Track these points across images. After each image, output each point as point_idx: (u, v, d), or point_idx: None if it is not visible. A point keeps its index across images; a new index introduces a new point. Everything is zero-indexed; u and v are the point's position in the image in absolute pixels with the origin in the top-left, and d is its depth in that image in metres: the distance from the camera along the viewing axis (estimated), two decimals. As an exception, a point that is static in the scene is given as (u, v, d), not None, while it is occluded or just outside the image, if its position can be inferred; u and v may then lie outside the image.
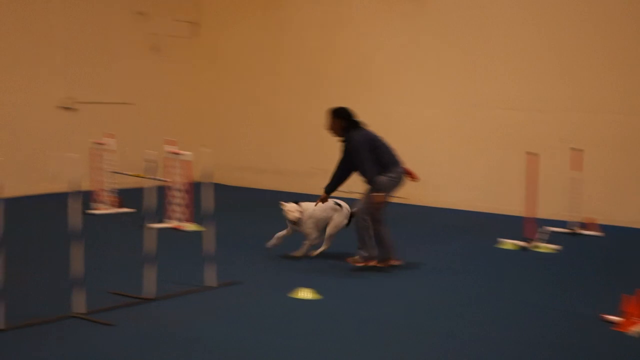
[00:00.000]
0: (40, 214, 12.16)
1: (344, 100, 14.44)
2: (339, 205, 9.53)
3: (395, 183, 8.94)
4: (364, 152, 8.76)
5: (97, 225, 10.99)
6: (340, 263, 9.16)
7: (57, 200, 12.76)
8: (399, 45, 14.13)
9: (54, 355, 5.92)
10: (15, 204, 11.12)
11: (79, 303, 6.89)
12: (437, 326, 6.88)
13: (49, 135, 13.99)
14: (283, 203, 9.40)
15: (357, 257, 8.94)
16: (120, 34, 15.12)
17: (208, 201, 7.94)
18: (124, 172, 12.46)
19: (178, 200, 11.12)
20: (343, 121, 8.96)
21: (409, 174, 9.16)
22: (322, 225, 9.46)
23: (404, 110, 14.07)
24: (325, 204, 9.42)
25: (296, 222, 9.27)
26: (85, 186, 10.75)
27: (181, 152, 11.10)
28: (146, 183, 7.57)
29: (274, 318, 7.03)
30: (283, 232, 9.47)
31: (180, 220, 11.09)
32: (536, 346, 6.36)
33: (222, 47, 16.21)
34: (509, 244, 10.37)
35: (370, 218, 8.89)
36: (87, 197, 11.97)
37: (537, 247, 10.22)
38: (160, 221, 10.72)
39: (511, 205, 12.51)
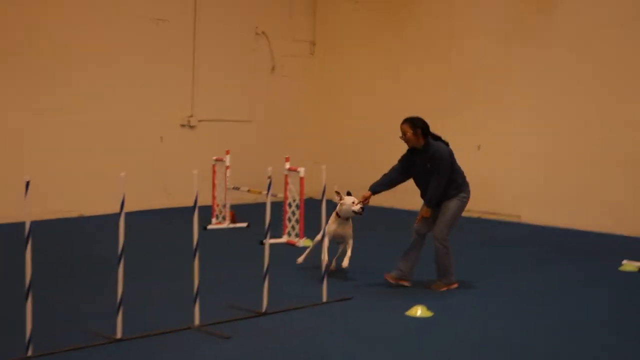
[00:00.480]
0: (161, 228, 12.41)
1: (458, 113, 14.46)
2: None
3: (465, 204, 8.82)
4: (448, 167, 8.63)
5: (214, 239, 11.15)
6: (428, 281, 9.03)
7: (178, 215, 13.09)
8: (509, 61, 13.89)
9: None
10: (137, 217, 11.44)
11: (196, 315, 6.98)
12: (554, 347, 6.69)
13: (173, 151, 14.29)
14: (341, 194, 8.97)
15: (439, 283, 8.70)
16: (241, 54, 15.34)
17: (322, 218, 7.95)
18: (242, 188, 12.65)
19: (291, 215, 11.20)
20: (424, 131, 8.62)
21: None
22: None
23: (523, 128, 13.83)
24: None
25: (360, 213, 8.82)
26: (205, 201, 10.91)
27: (296, 168, 11.17)
28: (262, 199, 7.63)
29: (386, 334, 6.96)
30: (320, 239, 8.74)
31: (293, 235, 11.14)
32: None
33: (336, 66, 16.28)
34: (631, 266, 10.00)
35: (447, 242, 8.68)
36: (206, 212, 12.18)
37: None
38: (275, 236, 10.82)
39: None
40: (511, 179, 13.97)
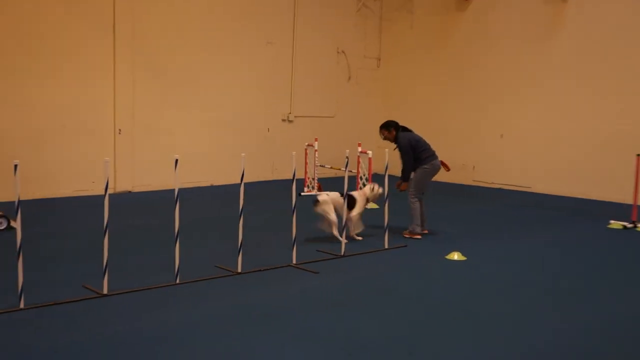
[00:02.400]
0: (269, 194, 12.56)
1: (485, 109, 14.25)
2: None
3: (426, 172, 8.81)
4: (406, 151, 8.71)
5: (306, 204, 11.28)
6: (469, 233, 8.96)
7: (281, 185, 13.26)
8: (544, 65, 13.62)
9: (278, 292, 6.14)
10: (252, 186, 11.64)
11: (293, 256, 7.11)
12: (564, 285, 6.62)
13: (277, 138, 14.44)
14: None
15: (406, 231, 8.77)
16: (326, 67, 15.38)
17: (385, 187, 7.99)
18: (326, 166, 12.74)
19: (362, 186, 11.22)
20: (394, 128, 8.90)
21: (444, 165, 9.04)
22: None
23: (532, 121, 13.60)
24: (334, 194, 8.33)
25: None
26: (300, 175, 11.02)
27: (366, 151, 11.20)
28: (341, 173, 7.67)
29: (435, 273, 7.00)
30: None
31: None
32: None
33: (396, 76, 16.22)
34: (618, 224, 9.82)
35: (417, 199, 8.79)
36: (300, 183, 12.31)
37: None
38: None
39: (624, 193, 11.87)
40: (524, 159, 13.80)
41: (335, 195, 8.28)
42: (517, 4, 13.84)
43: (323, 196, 8.26)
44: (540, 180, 13.55)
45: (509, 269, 7.24)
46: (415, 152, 8.74)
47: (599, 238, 9.10)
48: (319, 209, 8.20)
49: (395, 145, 8.93)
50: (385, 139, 9.04)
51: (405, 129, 8.99)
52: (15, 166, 5.24)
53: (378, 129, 9.09)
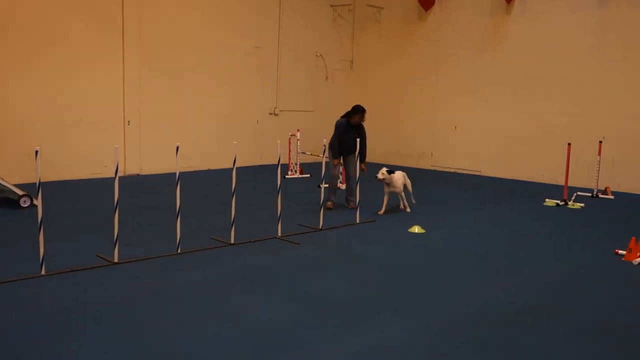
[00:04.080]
0: (257, 177, 12.47)
1: (444, 105, 14.29)
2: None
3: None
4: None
5: (289, 185, 11.27)
6: (429, 210, 9.01)
7: (268, 169, 13.22)
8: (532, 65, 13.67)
9: (267, 259, 6.13)
10: (243, 170, 11.55)
11: (278, 229, 7.10)
12: (509, 254, 6.69)
13: (265, 129, 14.36)
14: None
15: (329, 203, 8.84)
16: (305, 68, 15.30)
17: (357, 171, 7.98)
18: (307, 153, 12.70)
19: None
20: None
21: None
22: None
23: (483, 113, 13.67)
24: (400, 173, 8.77)
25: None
26: (284, 160, 10.99)
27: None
28: (319, 159, 7.64)
29: (399, 243, 7.02)
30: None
31: (338, 183, 11.16)
32: (569, 270, 6.08)
33: (367, 76, 16.17)
34: (551, 202, 9.91)
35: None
36: (285, 167, 12.28)
37: (570, 205, 9.73)
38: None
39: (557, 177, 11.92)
40: (474, 147, 13.86)
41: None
42: (469, 15, 13.86)
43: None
44: (488, 165, 13.66)
45: (461, 239, 7.29)
46: None
47: (536, 214, 9.19)
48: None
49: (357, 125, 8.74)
50: (359, 120, 8.76)
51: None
52: (36, 152, 5.17)
53: (358, 113, 8.74)
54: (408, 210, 8.87)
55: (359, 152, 8.18)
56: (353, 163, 8.61)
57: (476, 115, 13.86)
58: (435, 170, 14.45)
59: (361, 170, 8.36)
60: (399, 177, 8.70)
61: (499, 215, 9.03)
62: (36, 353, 3.85)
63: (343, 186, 9.78)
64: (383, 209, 8.69)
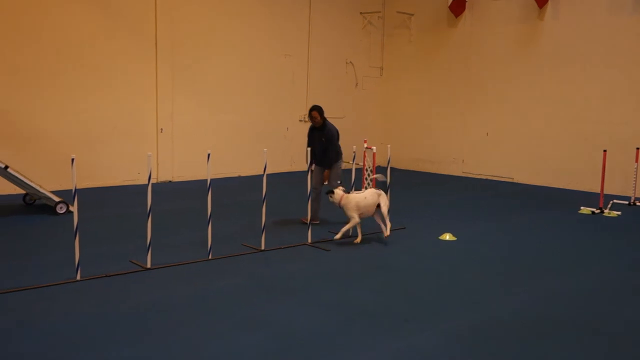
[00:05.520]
0: (287, 184, 12.50)
1: (475, 111, 14.14)
2: (379, 189, 7.39)
3: (340, 167, 8.04)
4: (336, 140, 7.90)
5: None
6: (460, 218, 8.90)
7: (298, 176, 13.25)
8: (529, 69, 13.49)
9: (298, 266, 6.14)
10: (273, 177, 11.59)
11: (309, 236, 7.11)
12: (540, 263, 6.57)
13: (294, 136, 14.41)
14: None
15: (305, 218, 7.91)
16: (337, 75, 15.32)
17: (387, 178, 7.96)
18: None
19: (367, 176, 11.18)
20: (323, 114, 7.99)
21: None
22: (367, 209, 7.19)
23: (515, 121, 13.50)
24: (369, 191, 7.25)
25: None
26: (313, 167, 10.95)
27: (371, 147, 11.13)
28: (349, 166, 7.64)
29: (429, 251, 6.96)
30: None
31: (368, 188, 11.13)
32: (601, 282, 5.94)
33: (396, 82, 16.12)
34: (587, 210, 9.71)
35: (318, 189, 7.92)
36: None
37: (606, 213, 9.53)
38: (357, 189, 10.82)
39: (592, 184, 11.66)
40: (507, 154, 13.68)
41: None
42: (500, 21, 13.70)
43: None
44: (521, 172, 13.45)
45: (493, 248, 7.19)
46: (337, 144, 7.98)
47: (571, 222, 9.01)
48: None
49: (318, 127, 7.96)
50: (312, 120, 7.97)
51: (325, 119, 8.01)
52: (72, 159, 5.28)
53: (310, 112, 8.01)
54: (386, 234, 7.25)
55: (321, 158, 7.72)
56: (319, 173, 7.99)
57: (509, 122, 13.68)
58: (466, 177, 14.30)
59: (323, 179, 7.83)
60: (358, 199, 7.07)
61: (532, 223, 8.88)
62: (68, 357, 3.92)
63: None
64: (359, 236, 7.24)
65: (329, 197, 7.15)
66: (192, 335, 4.29)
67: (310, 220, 7.32)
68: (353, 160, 7.71)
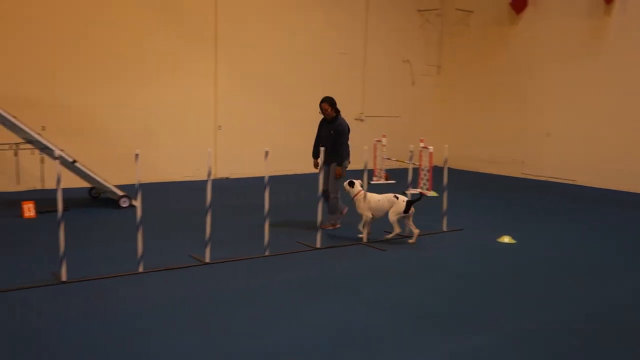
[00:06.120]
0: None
1: (536, 111, 13.74)
2: (397, 197, 7.06)
3: (346, 168, 7.65)
4: (346, 135, 7.53)
5: (374, 190, 11.20)
6: (520, 220, 8.64)
7: (354, 175, 13.21)
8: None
9: (352, 264, 6.13)
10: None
11: (364, 236, 7.08)
12: (601, 268, 6.33)
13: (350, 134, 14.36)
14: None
15: (327, 223, 7.62)
16: (393, 74, 15.20)
17: (444, 178, 7.84)
18: (392, 159, 12.60)
19: (424, 176, 11.07)
20: (335, 106, 7.61)
21: None
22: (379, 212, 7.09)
23: (578, 122, 13.04)
24: (386, 195, 7.09)
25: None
26: (370, 166, 10.95)
27: (427, 146, 11.01)
28: (405, 165, 7.57)
29: (487, 253, 6.82)
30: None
31: (424, 188, 11.02)
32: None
33: (453, 81, 15.86)
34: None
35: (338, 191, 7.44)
36: (370, 173, 12.21)
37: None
38: (413, 189, 10.75)
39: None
40: (568, 155, 13.23)
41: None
42: (564, 18, 13.26)
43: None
44: (583, 173, 12.99)
45: (553, 251, 6.96)
46: (346, 140, 7.58)
47: (634, 225, 8.62)
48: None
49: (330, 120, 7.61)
50: (323, 113, 7.64)
51: (338, 112, 7.64)
52: (136, 155, 5.43)
53: (320, 104, 7.64)
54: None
55: (330, 153, 7.37)
56: (327, 175, 7.58)
57: (571, 122, 13.22)
58: (526, 178, 13.92)
59: (335, 175, 7.48)
60: (371, 199, 7.04)
61: (594, 226, 8.56)
62: (132, 344, 4.04)
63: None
64: (364, 234, 7.09)
65: (346, 186, 7.14)
66: (250, 327, 4.35)
67: (327, 224, 7.31)
68: (410, 160, 7.62)
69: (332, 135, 7.47)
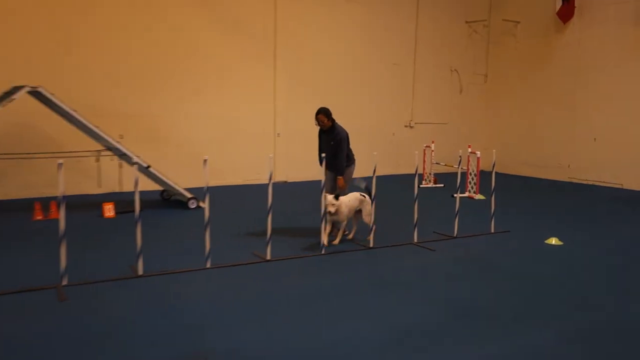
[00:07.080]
0: (393, 186, 12.46)
1: (581, 117, 13.25)
2: (364, 195, 6.90)
3: (352, 172, 7.26)
4: (345, 143, 7.10)
5: (424, 194, 11.09)
6: (567, 222, 8.34)
7: (403, 178, 13.11)
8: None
9: (404, 264, 6.10)
10: (380, 180, 11.57)
11: (414, 236, 7.01)
12: (648, 270, 6.05)
13: (401, 141, 14.31)
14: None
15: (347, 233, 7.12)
16: (441, 83, 15.03)
17: (491, 182, 7.67)
18: (441, 163, 12.43)
19: (471, 180, 10.87)
20: (331, 116, 7.21)
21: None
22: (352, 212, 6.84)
23: (622, 127, 12.49)
24: (353, 195, 6.84)
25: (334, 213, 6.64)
26: (420, 170, 10.87)
27: (475, 151, 10.80)
28: (453, 170, 7.45)
29: (534, 254, 6.63)
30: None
31: (472, 192, 10.82)
32: None
33: (500, 89, 15.52)
34: None
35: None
36: (420, 177, 12.11)
37: None
38: (461, 192, 10.57)
39: None
40: (616, 160, 12.72)
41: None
42: (611, 26, 12.78)
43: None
44: (631, 177, 12.46)
45: (602, 253, 6.70)
46: (348, 149, 7.22)
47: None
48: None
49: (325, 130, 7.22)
50: (319, 124, 7.23)
51: (334, 121, 7.21)
52: (205, 160, 5.57)
53: (316, 115, 7.23)
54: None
55: (331, 163, 7.02)
56: (330, 179, 7.15)
57: (618, 127, 12.72)
58: (572, 182, 13.46)
59: (338, 186, 7.03)
60: (348, 202, 6.74)
61: (644, 230, 8.19)
62: (200, 337, 4.14)
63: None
64: (324, 237, 6.48)
65: (332, 200, 6.54)
66: (309, 322, 4.38)
67: (332, 232, 6.90)
68: (459, 165, 7.50)
69: (332, 146, 7.16)
